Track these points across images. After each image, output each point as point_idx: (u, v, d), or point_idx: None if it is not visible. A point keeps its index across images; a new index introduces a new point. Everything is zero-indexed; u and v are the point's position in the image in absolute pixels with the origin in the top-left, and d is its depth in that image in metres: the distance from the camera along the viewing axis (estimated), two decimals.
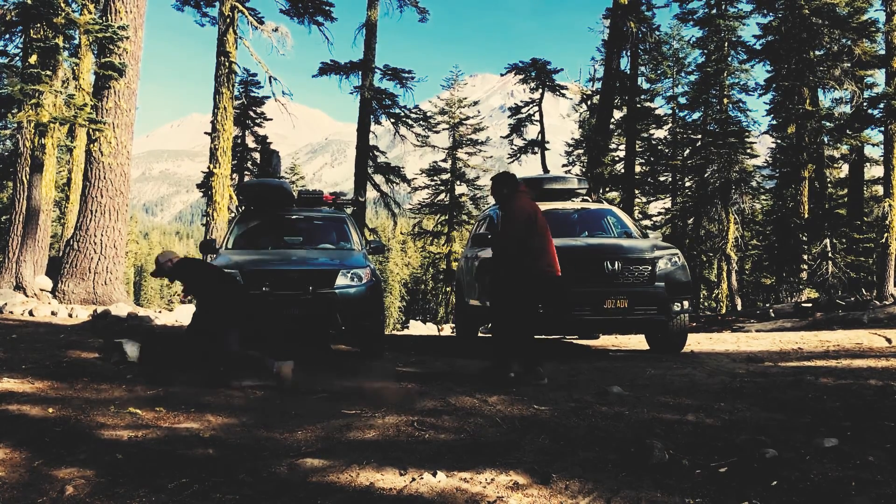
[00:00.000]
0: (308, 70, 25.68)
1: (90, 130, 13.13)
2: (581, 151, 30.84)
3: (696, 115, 26.99)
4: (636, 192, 25.90)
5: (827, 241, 21.24)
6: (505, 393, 5.16)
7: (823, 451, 3.35)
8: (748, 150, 24.92)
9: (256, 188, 8.73)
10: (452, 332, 16.05)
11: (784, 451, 3.35)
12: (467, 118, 33.91)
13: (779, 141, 25.18)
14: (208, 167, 17.43)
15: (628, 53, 22.62)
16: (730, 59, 24.79)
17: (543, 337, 9.46)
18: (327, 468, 3.37)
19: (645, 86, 27.54)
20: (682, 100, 27.46)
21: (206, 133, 19.03)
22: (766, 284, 29.91)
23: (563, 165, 31.88)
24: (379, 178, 24.43)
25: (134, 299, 55.26)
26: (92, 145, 13.33)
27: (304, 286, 6.59)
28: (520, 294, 5.70)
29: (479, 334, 10.25)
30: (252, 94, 28.48)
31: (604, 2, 39.86)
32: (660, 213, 29.21)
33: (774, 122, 25.03)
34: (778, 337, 9.31)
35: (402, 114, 24.56)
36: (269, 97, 26.17)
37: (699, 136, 26.25)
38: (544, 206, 8.58)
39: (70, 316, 11.19)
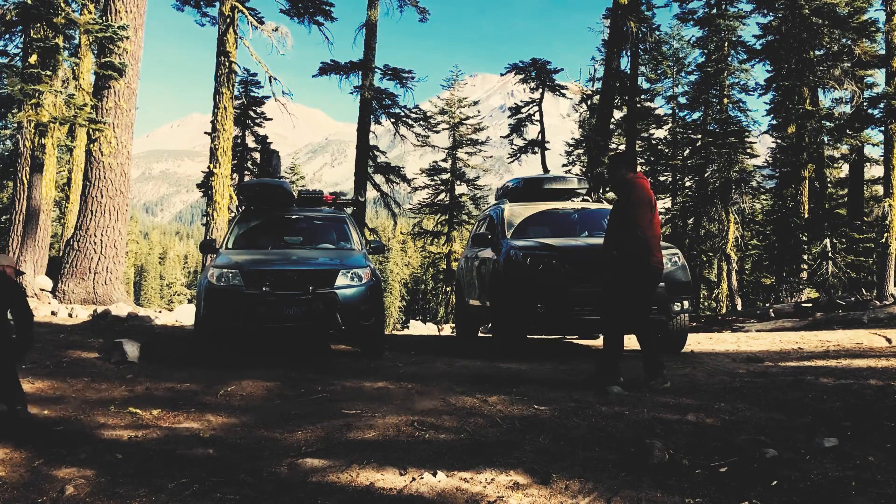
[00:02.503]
0: (308, 70, 25.68)
1: (90, 130, 13.13)
2: (581, 151, 30.83)
3: (696, 115, 27.03)
4: None
5: (827, 241, 21.24)
6: (505, 393, 5.16)
7: (823, 451, 3.35)
8: (748, 150, 24.93)
9: (256, 188, 8.72)
10: (452, 332, 16.05)
11: (784, 451, 3.35)
12: (467, 118, 33.88)
13: (779, 141, 25.18)
14: (208, 167, 17.42)
15: (628, 53, 22.60)
16: (730, 59, 24.80)
17: (543, 337, 9.46)
18: (327, 468, 3.37)
19: (645, 86, 27.57)
20: (682, 100, 27.51)
21: (206, 133, 19.02)
22: (766, 284, 29.89)
23: (563, 165, 31.86)
24: (379, 178, 24.41)
25: (134, 299, 55.30)
26: (92, 145, 13.34)
27: (304, 286, 6.59)
28: (640, 290, 5.31)
29: (479, 334, 10.25)
30: (252, 94, 28.46)
31: (604, 2, 39.87)
32: (660, 213, 29.19)
33: (774, 122, 25.04)
34: (778, 337, 9.31)
35: (402, 114, 24.54)
36: (269, 97, 26.14)
37: (699, 136, 26.26)
38: (544, 207, 8.62)
39: (70, 316, 11.20)
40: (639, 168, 5.82)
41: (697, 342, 8.85)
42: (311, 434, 4.05)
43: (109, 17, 13.23)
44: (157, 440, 3.95)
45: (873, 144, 22.01)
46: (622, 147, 27.64)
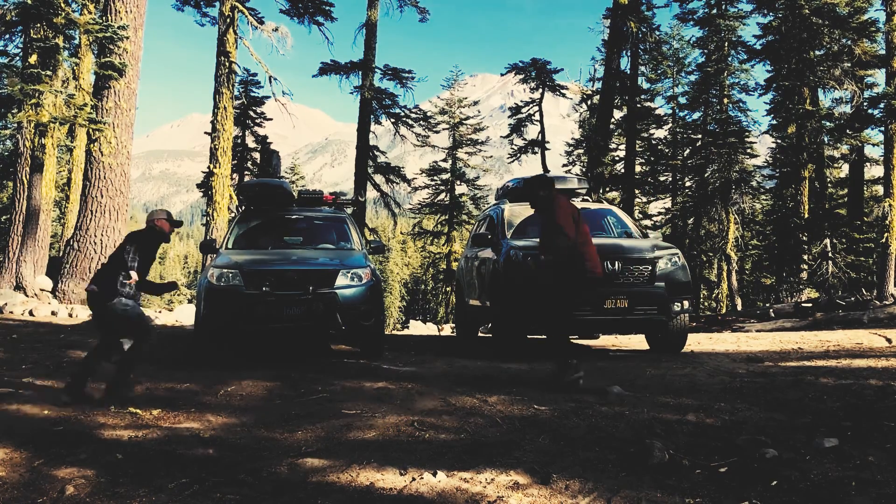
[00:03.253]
0: (308, 70, 25.70)
1: (90, 130, 13.13)
2: (581, 151, 30.81)
3: (696, 115, 27.01)
4: (636, 192, 25.88)
5: (827, 241, 21.23)
6: (505, 393, 5.16)
7: (823, 451, 3.35)
8: (748, 150, 24.92)
9: (256, 188, 8.72)
10: (452, 332, 16.05)
11: (784, 451, 3.35)
12: (467, 118, 33.88)
13: (779, 141, 25.17)
14: (208, 167, 17.42)
15: (628, 53, 22.60)
16: (730, 59, 24.79)
17: (543, 337, 9.45)
18: (327, 468, 3.37)
19: (645, 86, 27.53)
20: (682, 100, 27.48)
21: (206, 133, 19.02)
22: (766, 284, 29.89)
23: (563, 165, 31.84)
24: (379, 178, 24.41)
25: None
26: (92, 145, 13.34)
27: (304, 286, 6.59)
28: (569, 295, 5.53)
29: (479, 334, 10.25)
30: (252, 94, 28.45)
31: (604, 2, 39.89)
32: (660, 213, 29.20)
33: (774, 122, 25.02)
34: (778, 337, 9.31)
35: (402, 114, 24.54)
36: (269, 97, 26.15)
37: (699, 136, 26.25)
38: None
39: (70, 316, 11.20)
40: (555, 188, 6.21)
41: (697, 342, 8.85)
42: (311, 434, 4.05)
43: (109, 17, 13.23)
44: (157, 440, 3.95)
45: (873, 144, 22.00)
46: (622, 147, 27.65)
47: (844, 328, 10.51)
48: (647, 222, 28.16)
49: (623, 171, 24.78)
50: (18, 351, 7.00)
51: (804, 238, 22.14)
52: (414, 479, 3.18)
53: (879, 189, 22.73)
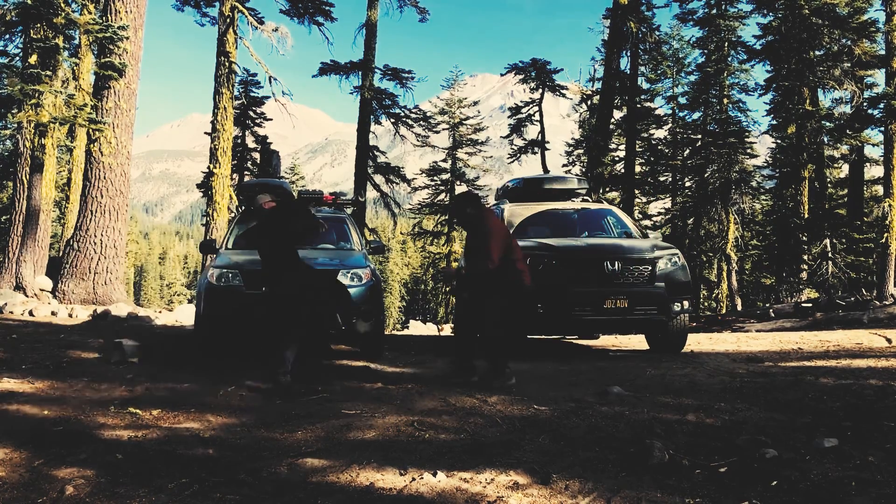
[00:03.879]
0: (308, 70, 25.72)
1: (90, 130, 13.13)
2: (581, 151, 30.82)
3: (696, 115, 27.03)
4: (636, 192, 25.88)
5: (827, 241, 21.24)
6: (505, 393, 5.16)
7: (823, 451, 3.35)
8: (748, 150, 24.93)
9: (256, 188, 8.71)
10: (452, 332, 16.04)
11: (784, 451, 3.35)
12: (467, 118, 33.89)
13: (779, 141, 25.18)
14: (208, 167, 17.43)
15: (628, 53, 22.60)
16: (730, 59, 24.80)
17: (543, 337, 9.45)
18: (327, 468, 3.37)
19: (645, 86, 27.54)
20: (682, 100, 27.49)
21: (206, 133, 19.04)
22: (766, 284, 29.89)
23: (563, 165, 31.85)
24: (379, 178, 24.41)
25: (134, 299, 55.29)
26: (92, 145, 13.34)
27: None
28: (504, 306, 5.71)
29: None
30: (252, 94, 28.45)
31: (604, 2, 39.92)
32: (660, 213, 29.20)
33: (774, 122, 25.04)
34: (778, 337, 9.31)
35: (402, 114, 24.55)
36: (269, 97, 26.15)
37: (699, 136, 26.26)
38: (544, 207, 8.62)
39: (70, 316, 11.20)
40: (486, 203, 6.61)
41: (697, 342, 8.85)
42: (311, 434, 4.05)
43: (109, 17, 13.23)
44: (157, 440, 3.95)
45: (873, 144, 22.01)
46: (622, 147, 27.65)
47: (844, 328, 10.51)
48: (647, 222, 28.16)
49: (623, 171, 24.77)
50: (18, 351, 7.00)
51: (804, 238, 22.14)
52: (414, 479, 3.18)
53: (879, 189, 22.74)
